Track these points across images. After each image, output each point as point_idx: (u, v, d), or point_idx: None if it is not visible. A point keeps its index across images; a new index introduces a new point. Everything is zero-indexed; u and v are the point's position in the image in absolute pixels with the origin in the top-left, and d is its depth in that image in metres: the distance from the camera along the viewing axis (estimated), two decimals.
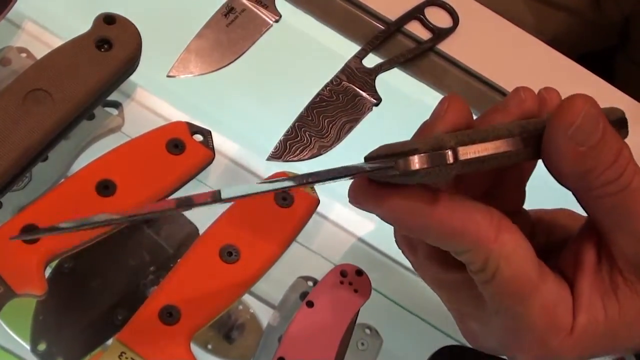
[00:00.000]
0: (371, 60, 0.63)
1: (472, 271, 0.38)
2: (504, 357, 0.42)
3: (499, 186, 0.41)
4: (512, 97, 0.40)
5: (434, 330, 0.56)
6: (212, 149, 0.53)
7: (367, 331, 0.55)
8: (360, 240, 0.59)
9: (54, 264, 0.48)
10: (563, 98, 0.41)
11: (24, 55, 0.59)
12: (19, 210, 0.50)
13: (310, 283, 0.54)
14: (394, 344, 0.56)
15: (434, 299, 0.59)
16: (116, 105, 0.59)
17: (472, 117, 0.39)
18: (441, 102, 0.38)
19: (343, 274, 0.51)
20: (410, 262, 0.43)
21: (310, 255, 0.57)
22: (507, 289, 0.37)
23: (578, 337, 0.37)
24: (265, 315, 0.55)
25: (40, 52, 0.53)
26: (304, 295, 0.53)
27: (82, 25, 0.53)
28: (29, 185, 0.54)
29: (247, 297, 0.54)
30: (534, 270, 0.37)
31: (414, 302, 0.58)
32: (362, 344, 0.55)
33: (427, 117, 0.40)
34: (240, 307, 0.54)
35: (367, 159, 0.35)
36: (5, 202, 0.52)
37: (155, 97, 0.61)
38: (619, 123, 0.40)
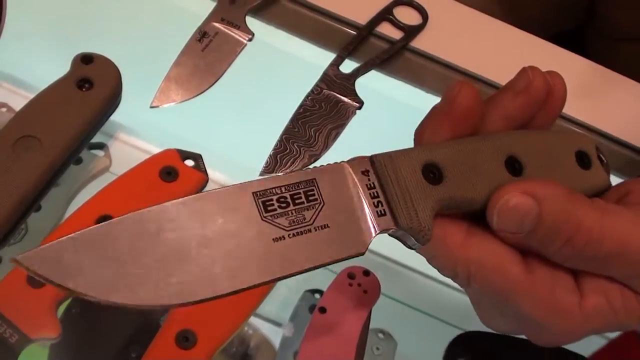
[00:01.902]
0: (348, 66, 0.63)
1: (448, 277, 0.38)
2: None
3: None
4: (520, 77, 0.40)
5: (445, 325, 0.57)
6: (205, 171, 0.54)
7: (381, 335, 0.56)
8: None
9: (64, 305, 0.49)
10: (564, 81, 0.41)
11: (4, 109, 0.60)
12: None
13: (317, 295, 0.55)
14: (408, 344, 0.56)
15: (440, 295, 0.59)
16: (101, 146, 0.60)
17: (482, 105, 0.39)
18: (451, 88, 0.38)
19: (351, 276, 0.51)
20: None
21: None
22: (489, 290, 0.37)
23: (588, 316, 0.37)
24: (276, 336, 0.55)
25: (19, 105, 0.53)
26: (313, 308, 0.53)
27: (58, 72, 0.54)
28: (26, 237, 0.54)
29: (256, 320, 0.54)
30: (514, 266, 0.37)
31: (422, 301, 0.59)
32: (377, 348, 0.55)
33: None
34: (251, 331, 0.55)
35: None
36: (5, 257, 0.51)
37: (139, 132, 0.62)
38: (581, 158, 0.40)
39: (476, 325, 0.47)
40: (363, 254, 0.35)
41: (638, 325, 0.38)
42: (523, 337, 0.41)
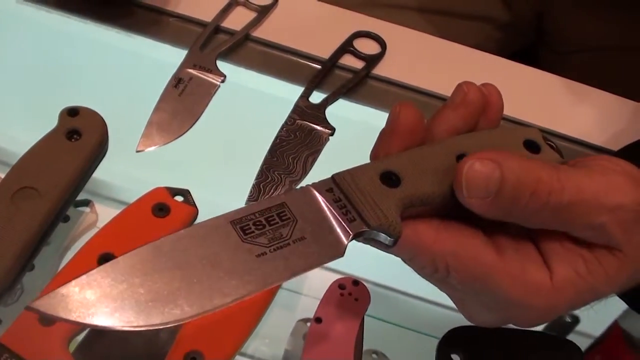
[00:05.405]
0: (317, 97, 0.67)
1: (429, 275, 0.41)
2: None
3: None
4: (456, 92, 0.44)
5: (433, 339, 0.58)
6: (194, 205, 0.56)
7: (374, 356, 0.57)
8: (344, 273, 0.61)
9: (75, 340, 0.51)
10: (498, 89, 0.45)
11: None
12: None
13: (309, 324, 0.56)
14: None
15: (425, 312, 0.62)
16: (87, 203, 0.61)
17: (423, 120, 0.42)
18: (393, 109, 0.42)
19: (341, 287, 0.54)
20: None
21: (301, 298, 0.60)
22: (467, 279, 0.40)
23: (560, 287, 0.40)
24: None
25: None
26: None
27: (34, 135, 0.56)
28: (22, 297, 0.56)
29: None
30: (487, 252, 0.40)
31: (409, 319, 0.60)
32: None
33: (377, 136, 0.44)
34: None
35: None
36: (3, 318, 0.53)
37: (122, 186, 0.64)
38: (530, 145, 0.44)
39: None
40: (342, 256, 0.38)
41: (609, 288, 0.41)
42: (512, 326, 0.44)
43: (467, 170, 0.38)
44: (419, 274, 0.43)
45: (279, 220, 0.38)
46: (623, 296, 0.48)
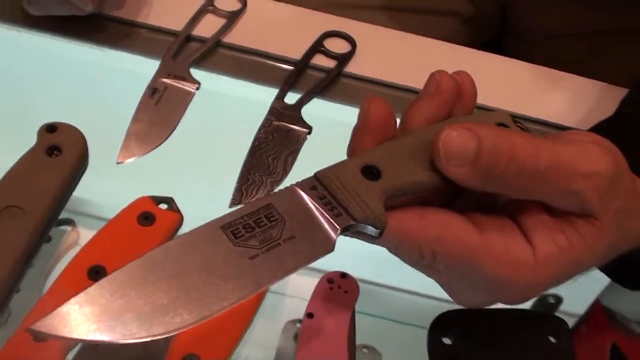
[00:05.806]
0: (292, 98, 0.68)
1: (415, 262, 0.42)
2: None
3: None
4: (429, 81, 0.45)
5: (421, 330, 0.59)
6: (179, 211, 0.57)
7: (365, 350, 0.58)
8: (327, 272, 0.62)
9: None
10: (472, 78, 0.46)
11: None
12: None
13: (298, 325, 0.57)
14: (392, 354, 0.59)
15: (411, 302, 0.63)
16: (68, 222, 0.62)
17: (393, 113, 0.43)
18: (362, 106, 0.43)
19: (330, 281, 0.55)
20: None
21: (286, 300, 0.60)
22: (453, 261, 0.41)
23: (543, 262, 0.41)
24: None
25: None
26: (297, 337, 0.55)
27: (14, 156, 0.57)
28: (10, 319, 0.56)
29: None
30: (469, 233, 0.40)
31: (397, 313, 0.61)
32: None
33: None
34: None
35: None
36: None
37: (102, 200, 0.64)
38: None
39: None
40: (332, 251, 0.39)
41: (591, 259, 0.42)
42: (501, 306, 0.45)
43: (444, 138, 0.39)
44: (405, 262, 0.44)
45: (267, 221, 0.39)
46: (605, 269, 0.49)
